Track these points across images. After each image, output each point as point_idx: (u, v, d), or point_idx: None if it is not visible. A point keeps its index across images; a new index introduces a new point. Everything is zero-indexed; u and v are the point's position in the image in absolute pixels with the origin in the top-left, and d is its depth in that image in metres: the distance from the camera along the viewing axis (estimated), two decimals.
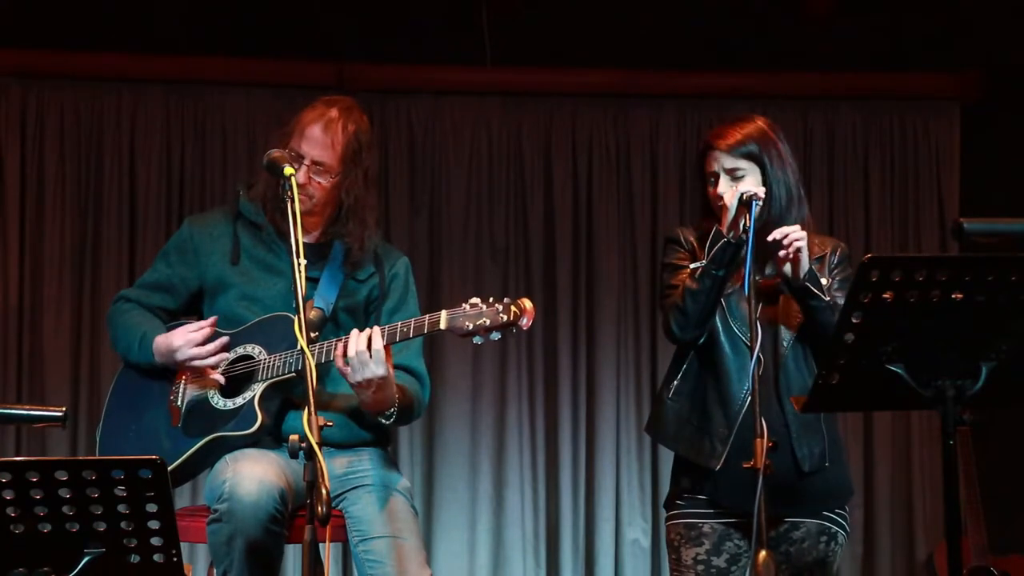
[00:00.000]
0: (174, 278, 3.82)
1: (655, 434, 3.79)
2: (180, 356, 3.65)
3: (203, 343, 3.64)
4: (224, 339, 3.66)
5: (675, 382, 3.70)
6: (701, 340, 3.64)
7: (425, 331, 3.45)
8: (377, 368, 3.45)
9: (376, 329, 3.48)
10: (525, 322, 3.37)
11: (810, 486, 3.62)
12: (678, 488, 3.71)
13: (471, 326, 3.38)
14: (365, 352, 3.44)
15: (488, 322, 3.37)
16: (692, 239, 3.71)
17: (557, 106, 6.33)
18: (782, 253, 3.51)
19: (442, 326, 3.41)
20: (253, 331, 3.67)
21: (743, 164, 3.62)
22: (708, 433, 3.62)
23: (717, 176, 3.64)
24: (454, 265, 6.24)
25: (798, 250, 3.49)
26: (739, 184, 3.60)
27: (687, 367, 3.69)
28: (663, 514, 3.81)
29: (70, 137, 6.09)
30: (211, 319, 3.69)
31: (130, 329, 3.77)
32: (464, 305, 3.42)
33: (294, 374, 3.53)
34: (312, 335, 3.61)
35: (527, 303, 3.39)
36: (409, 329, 3.46)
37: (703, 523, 3.65)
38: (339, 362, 3.48)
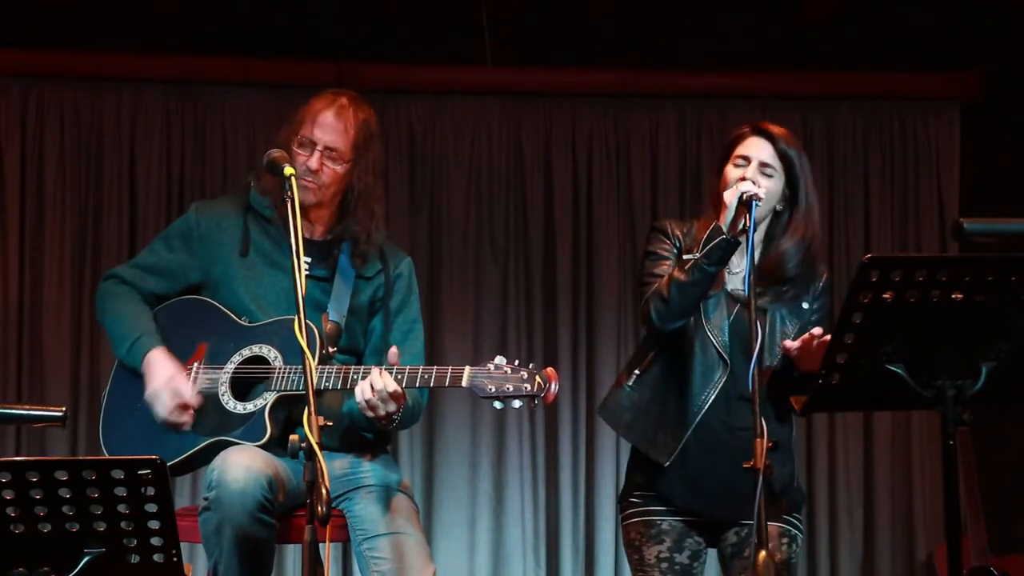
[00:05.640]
0: (173, 264, 3.78)
1: (608, 418, 3.78)
2: (152, 393, 3.60)
3: (182, 405, 3.59)
4: (191, 414, 3.59)
5: (637, 371, 3.71)
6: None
7: (447, 383, 3.43)
8: (389, 406, 3.46)
9: (394, 371, 3.46)
10: (549, 395, 3.37)
11: (775, 499, 3.65)
12: (632, 484, 3.73)
13: (493, 389, 3.37)
14: (387, 397, 3.43)
15: (511, 388, 3.36)
16: (679, 232, 3.71)
17: (557, 106, 6.33)
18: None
19: (464, 383, 3.39)
20: (270, 331, 3.64)
21: (777, 165, 3.63)
22: (663, 428, 3.63)
23: (749, 160, 3.62)
24: (454, 265, 6.24)
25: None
26: (761, 181, 3.59)
27: (652, 359, 3.70)
28: None
29: (70, 137, 6.09)
30: (197, 400, 3.61)
31: (123, 322, 3.72)
32: (489, 365, 3.40)
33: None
34: (330, 350, 3.62)
35: (551, 372, 3.39)
36: (431, 377, 3.45)
37: (661, 520, 3.67)
38: (361, 403, 3.47)
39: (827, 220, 6.25)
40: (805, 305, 3.68)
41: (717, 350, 3.60)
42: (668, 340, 3.66)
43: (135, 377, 3.69)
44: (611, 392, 3.79)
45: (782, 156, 3.64)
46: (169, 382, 3.60)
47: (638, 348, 3.80)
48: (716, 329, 3.61)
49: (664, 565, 3.64)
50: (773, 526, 3.62)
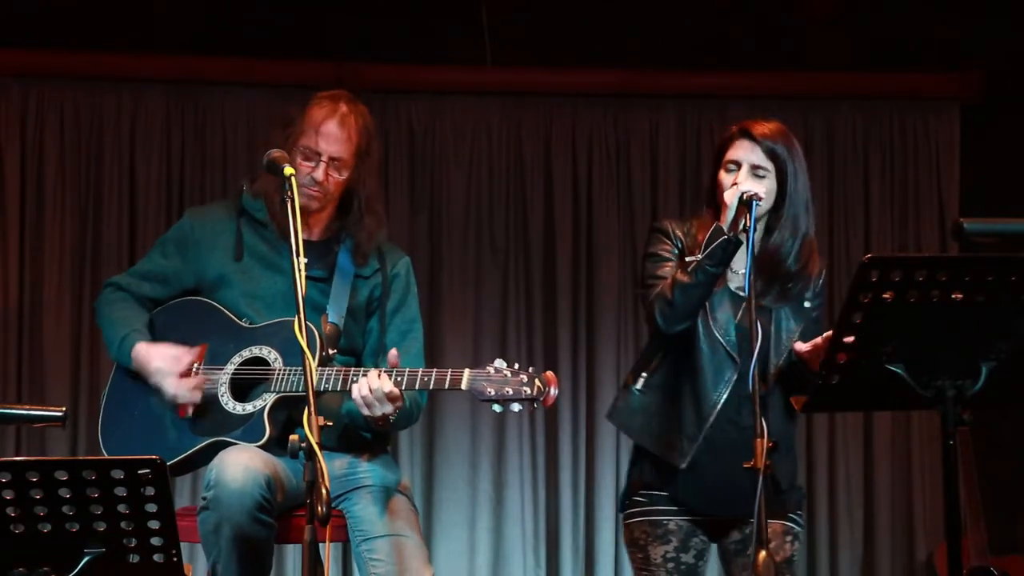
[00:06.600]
0: (168, 270, 3.79)
1: (619, 423, 3.78)
2: (155, 380, 3.61)
3: (185, 373, 3.60)
4: (202, 378, 3.60)
5: (644, 374, 3.70)
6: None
7: (446, 386, 3.43)
8: (384, 407, 3.46)
9: (393, 373, 3.46)
10: (548, 398, 3.37)
11: (779, 498, 3.66)
12: (639, 483, 3.71)
13: (493, 392, 3.36)
14: (383, 397, 3.43)
15: (511, 391, 3.35)
16: (680, 233, 3.70)
17: (557, 106, 6.32)
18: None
19: (463, 386, 3.39)
20: (269, 333, 3.64)
21: (768, 165, 3.61)
22: (677, 431, 3.63)
23: (739, 164, 3.61)
24: (454, 265, 6.24)
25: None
26: (752, 183, 3.57)
27: (659, 362, 3.69)
28: None
29: (70, 137, 6.09)
30: (198, 349, 3.63)
31: (114, 324, 3.74)
32: (489, 368, 3.40)
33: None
34: (330, 351, 3.62)
35: (551, 376, 3.39)
36: (430, 380, 3.44)
37: (668, 520, 3.66)
38: (356, 399, 3.47)
39: (827, 220, 6.25)
40: (807, 304, 3.68)
41: (726, 349, 3.60)
42: (674, 342, 3.65)
43: (135, 378, 3.70)
44: (619, 396, 3.79)
45: (771, 155, 3.62)
46: (163, 358, 3.60)
47: (643, 350, 3.79)
48: (723, 329, 3.61)
49: (671, 565, 3.64)
50: (777, 524, 3.64)
